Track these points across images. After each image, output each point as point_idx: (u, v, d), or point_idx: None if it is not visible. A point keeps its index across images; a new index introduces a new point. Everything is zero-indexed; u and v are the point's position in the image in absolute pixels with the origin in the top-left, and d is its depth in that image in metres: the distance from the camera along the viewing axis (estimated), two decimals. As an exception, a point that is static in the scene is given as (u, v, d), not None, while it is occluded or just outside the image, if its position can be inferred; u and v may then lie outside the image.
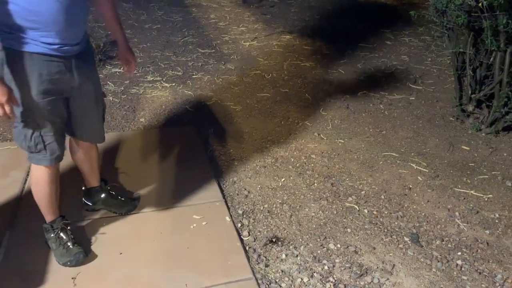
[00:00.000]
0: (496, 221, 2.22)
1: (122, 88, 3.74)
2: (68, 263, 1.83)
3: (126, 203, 2.17)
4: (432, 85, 3.85)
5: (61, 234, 1.86)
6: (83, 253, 1.85)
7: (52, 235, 1.87)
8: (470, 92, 3.16)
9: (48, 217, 1.87)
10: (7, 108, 1.46)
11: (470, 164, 2.70)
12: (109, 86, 3.78)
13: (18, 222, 2.07)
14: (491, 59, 2.95)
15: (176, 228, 2.07)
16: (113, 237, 2.01)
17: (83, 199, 2.12)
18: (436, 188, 2.47)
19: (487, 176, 2.58)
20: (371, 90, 3.70)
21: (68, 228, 1.90)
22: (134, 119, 3.22)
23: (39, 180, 1.76)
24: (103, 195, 2.12)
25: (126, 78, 3.94)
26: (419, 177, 2.57)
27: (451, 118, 3.29)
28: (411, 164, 2.68)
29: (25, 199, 2.20)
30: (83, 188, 2.13)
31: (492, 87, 3.00)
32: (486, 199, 2.38)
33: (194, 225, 2.09)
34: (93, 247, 1.95)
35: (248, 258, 1.92)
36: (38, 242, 1.93)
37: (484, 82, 3.11)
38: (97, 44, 4.32)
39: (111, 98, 3.56)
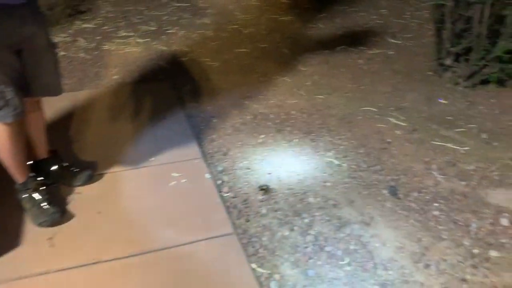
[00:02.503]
0: (472, 172, 2.26)
1: (94, 44, 3.59)
2: (44, 223, 1.78)
3: (80, 174, 2.01)
4: (411, 39, 3.81)
5: (34, 195, 1.81)
6: (59, 212, 1.80)
7: (25, 195, 1.81)
8: (448, 46, 3.14)
9: (19, 177, 1.81)
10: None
11: (448, 118, 2.72)
12: (80, 42, 3.61)
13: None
14: (470, 11, 2.92)
15: (155, 186, 2.04)
16: (90, 197, 1.96)
17: (30, 174, 1.86)
18: (414, 141, 2.49)
19: (464, 129, 2.61)
20: (350, 45, 3.64)
21: (43, 188, 1.84)
22: (107, 76, 3.11)
23: (3, 138, 1.68)
24: (54, 167, 2.00)
25: (97, 34, 3.78)
26: (397, 131, 2.57)
27: (429, 72, 3.28)
28: (390, 119, 2.69)
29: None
30: (30, 162, 1.93)
31: (471, 40, 2.99)
32: (462, 152, 2.41)
33: (173, 182, 2.06)
34: (69, 207, 1.91)
35: (228, 214, 1.91)
36: (12, 203, 1.87)
37: (462, 36, 3.08)
38: (65, -3, 4.10)
39: (83, 54, 3.42)
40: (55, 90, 1.84)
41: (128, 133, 2.42)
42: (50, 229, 1.79)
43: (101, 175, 2.09)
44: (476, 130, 2.60)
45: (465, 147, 2.45)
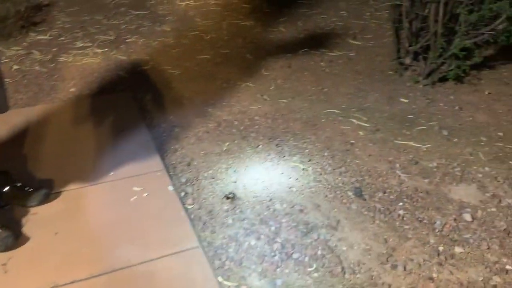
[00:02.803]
0: (434, 169, 2.29)
1: (50, 57, 3.47)
2: (-4, 249, 1.69)
3: (35, 194, 1.91)
4: (371, 39, 3.86)
5: (-15, 219, 1.71)
6: (13, 236, 1.71)
7: (-25, 220, 1.71)
8: (407, 45, 3.19)
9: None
10: None
11: (409, 116, 2.76)
12: (35, 55, 3.49)
13: None
14: (426, 11, 2.98)
15: (115, 202, 1.97)
16: (47, 217, 1.88)
17: None
18: (377, 141, 2.51)
19: (425, 127, 2.65)
20: (312, 47, 3.65)
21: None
22: (64, 89, 3.00)
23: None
24: (6, 188, 1.89)
25: (53, 45, 3.65)
26: (360, 132, 2.59)
27: (390, 72, 3.32)
28: (353, 120, 2.70)
29: None
30: None
31: (428, 39, 3.04)
32: (424, 149, 2.44)
33: (135, 197, 1.99)
34: (24, 230, 1.82)
35: (193, 226, 1.86)
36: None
37: (420, 34, 3.14)
38: (17, 10, 3.97)
39: (38, 67, 3.29)
40: (0, 108, 1.75)
41: (86, 148, 2.34)
42: (4, 254, 1.69)
43: (58, 194, 2.00)
44: (437, 127, 2.64)
45: (426, 144, 2.48)
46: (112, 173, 2.13)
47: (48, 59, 3.42)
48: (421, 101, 2.93)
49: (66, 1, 4.43)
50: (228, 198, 2.04)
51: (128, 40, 3.77)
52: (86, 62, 3.39)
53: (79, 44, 3.70)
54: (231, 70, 3.32)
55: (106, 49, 3.59)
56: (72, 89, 3.00)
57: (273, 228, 1.87)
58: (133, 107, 2.77)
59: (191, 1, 4.53)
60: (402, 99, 2.95)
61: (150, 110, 2.76)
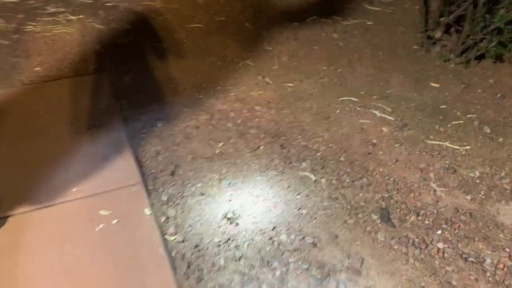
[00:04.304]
0: (477, 181, 1.85)
1: (14, 25, 2.94)
2: None
3: None
4: (390, 5, 3.31)
5: None
6: None
7: None
8: (437, 15, 2.66)
9: None
10: None
11: (442, 107, 2.28)
12: (-5, 23, 2.96)
13: None
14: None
15: (75, 233, 1.54)
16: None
17: None
18: (404, 141, 2.05)
19: (462, 121, 2.18)
20: (323, 14, 3.12)
21: None
22: (28, 68, 2.51)
23: None
24: None
25: (19, 11, 3.11)
26: (383, 128, 2.12)
27: (414, 47, 2.81)
28: (374, 111, 2.23)
29: None
30: None
31: (465, 8, 2.52)
32: (463, 152, 1.99)
33: (101, 226, 1.56)
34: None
35: (174, 270, 1.44)
36: None
37: (454, 2, 2.61)
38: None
39: (-1, 39, 2.78)
40: None
41: (44, 153, 1.88)
42: None
43: (3, 220, 1.57)
44: (477, 121, 2.17)
45: (465, 145, 2.03)
46: (74, 189, 1.69)
47: (12, 29, 2.89)
48: (454, 86, 2.44)
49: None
50: (228, 219, 1.62)
51: (107, 4, 3.22)
52: (57, 32, 2.87)
53: (51, 9, 3.16)
54: (227, 43, 2.80)
55: (81, 16, 3.06)
56: (37, 68, 2.50)
57: (277, 273, 1.45)
58: (108, 94, 2.28)
59: (182, -43, 3.91)
60: (432, 83, 2.46)
61: (128, 97, 2.28)
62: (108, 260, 1.44)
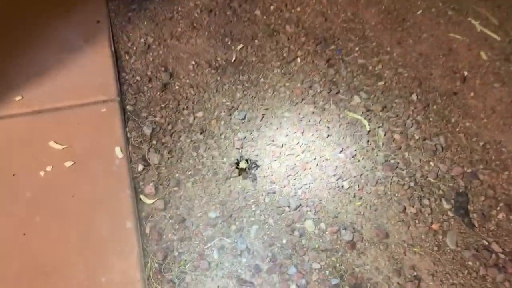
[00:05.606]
0: None
1: None
2: None
3: None
4: None
5: None
6: None
7: None
8: None
9: None
10: None
11: None
12: None
13: None
14: None
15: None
16: None
17: None
18: (509, 79, 1.39)
19: None
20: None
21: None
22: None
23: None
24: None
25: None
26: (482, 53, 1.44)
27: None
28: (473, 21, 1.50)
29: None
30: None
31: None
32: None
33: (48, 168, 1.06)
34: None
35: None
36: None
37: None
38: None
39: None
40: None
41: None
42: None
43: None
44: None
45: None
46: (18, 98, 1.14)
47: None
48: None
49: None
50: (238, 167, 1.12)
51: None
52: None
53: None
54: None
55: None
56: None
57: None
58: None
59: None
60: None
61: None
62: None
